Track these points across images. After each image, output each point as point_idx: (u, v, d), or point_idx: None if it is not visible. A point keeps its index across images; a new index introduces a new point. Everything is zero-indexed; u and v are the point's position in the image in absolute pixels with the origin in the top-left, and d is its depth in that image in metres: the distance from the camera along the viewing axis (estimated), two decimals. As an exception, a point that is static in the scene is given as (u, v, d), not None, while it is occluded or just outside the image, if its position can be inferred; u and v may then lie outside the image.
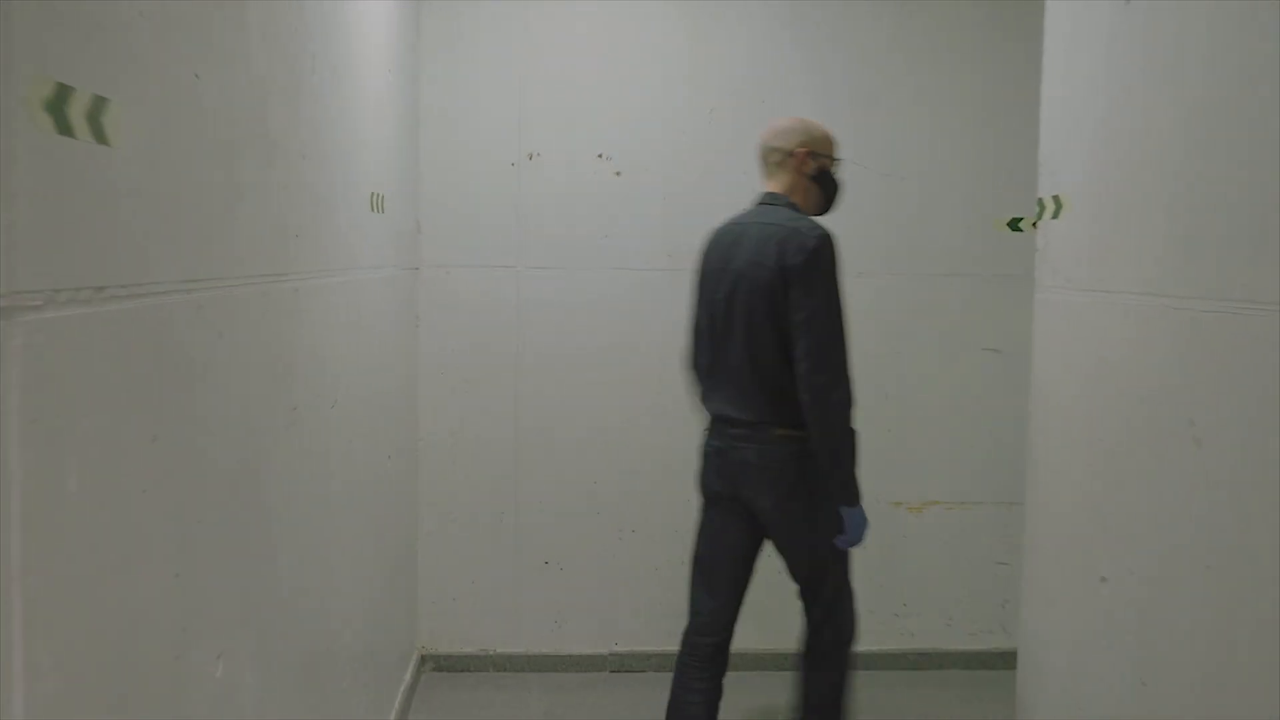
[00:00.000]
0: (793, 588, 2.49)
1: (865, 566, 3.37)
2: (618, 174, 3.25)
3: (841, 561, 2.48)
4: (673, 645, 2.54)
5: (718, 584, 2.46)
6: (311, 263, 1.96)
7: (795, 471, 2.35)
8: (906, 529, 3.36)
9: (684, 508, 3.31)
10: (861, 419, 3.30)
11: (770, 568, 2.51)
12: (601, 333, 3.28)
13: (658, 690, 2.64)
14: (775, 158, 2.46)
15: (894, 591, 3.39)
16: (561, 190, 3.25)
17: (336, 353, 2.17)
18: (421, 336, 3.25)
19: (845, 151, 3.28)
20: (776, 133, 2.47)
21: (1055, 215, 1.99)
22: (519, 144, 3.24)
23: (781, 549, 2.44)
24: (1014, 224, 3.29)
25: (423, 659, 3.29)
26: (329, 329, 2.10)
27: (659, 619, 3.31)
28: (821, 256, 2.30)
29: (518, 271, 3.26)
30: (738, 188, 3.27)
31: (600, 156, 3.24)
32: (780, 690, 2.94)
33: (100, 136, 1.07)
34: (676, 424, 3.30)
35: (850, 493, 2.33)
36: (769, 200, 2.45)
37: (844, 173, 3.27)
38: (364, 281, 2.45)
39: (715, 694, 2.46)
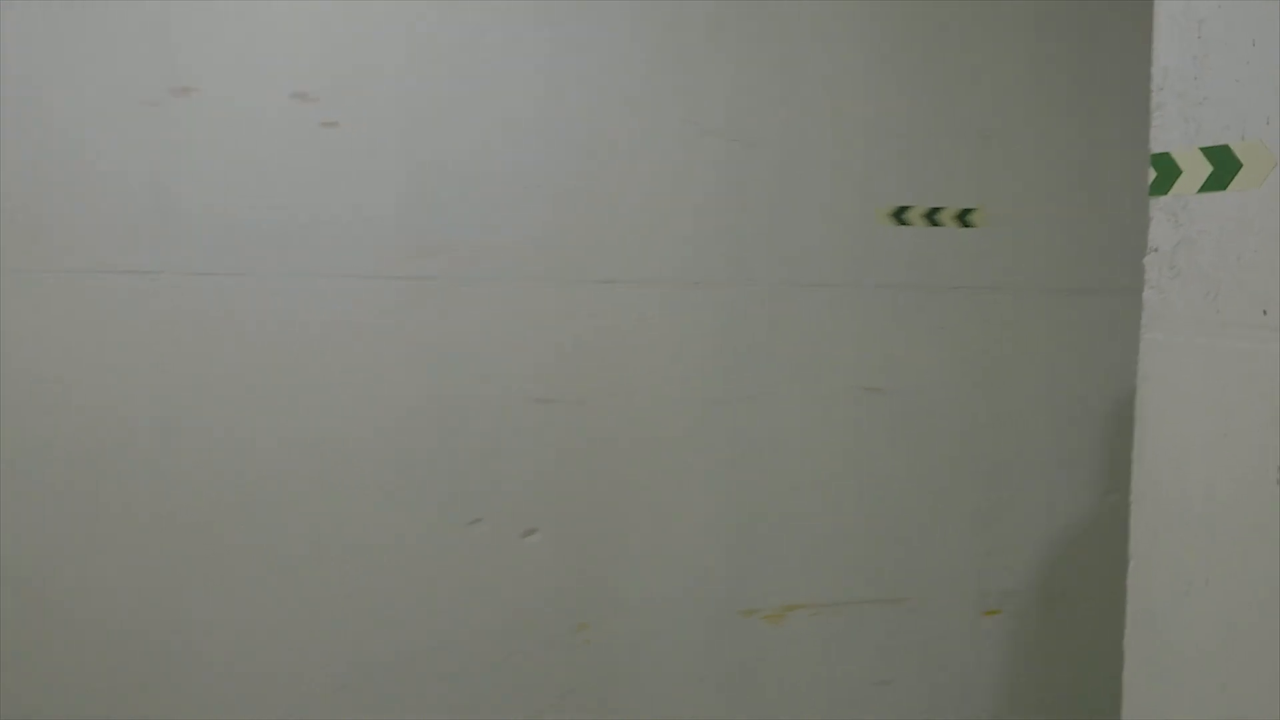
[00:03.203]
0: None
1: (709, 697, 2.35)
2: (330, 125, 2.05)
3: None
4: None
5: None
6: None
7: None
8: (763, 645, 2.37)
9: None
10: (699, 493, 2.30)
11: None
12: (308, 386, 2.07)
13: None
14: None
15: (747, 734, 2.39)
16: (236, 149, 2.01)
17: None
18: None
19: (671, 107, 2.25)
20: None
21: (1217, 186, 1.03)
22: (162, 72, 1.97)
23: None
24: (899, 214, 2.36)
25: None
26: None
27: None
28: None
29: (161, 280, 1.99)
30: (527, 148, 2.16)
31: (299, 97, 2.03)
32: None
33: None
34: (444, 591, 2.15)
35: None
36: None
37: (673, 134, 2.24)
38: None
39: None
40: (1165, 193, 1.06)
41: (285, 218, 2.02)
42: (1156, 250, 1.07)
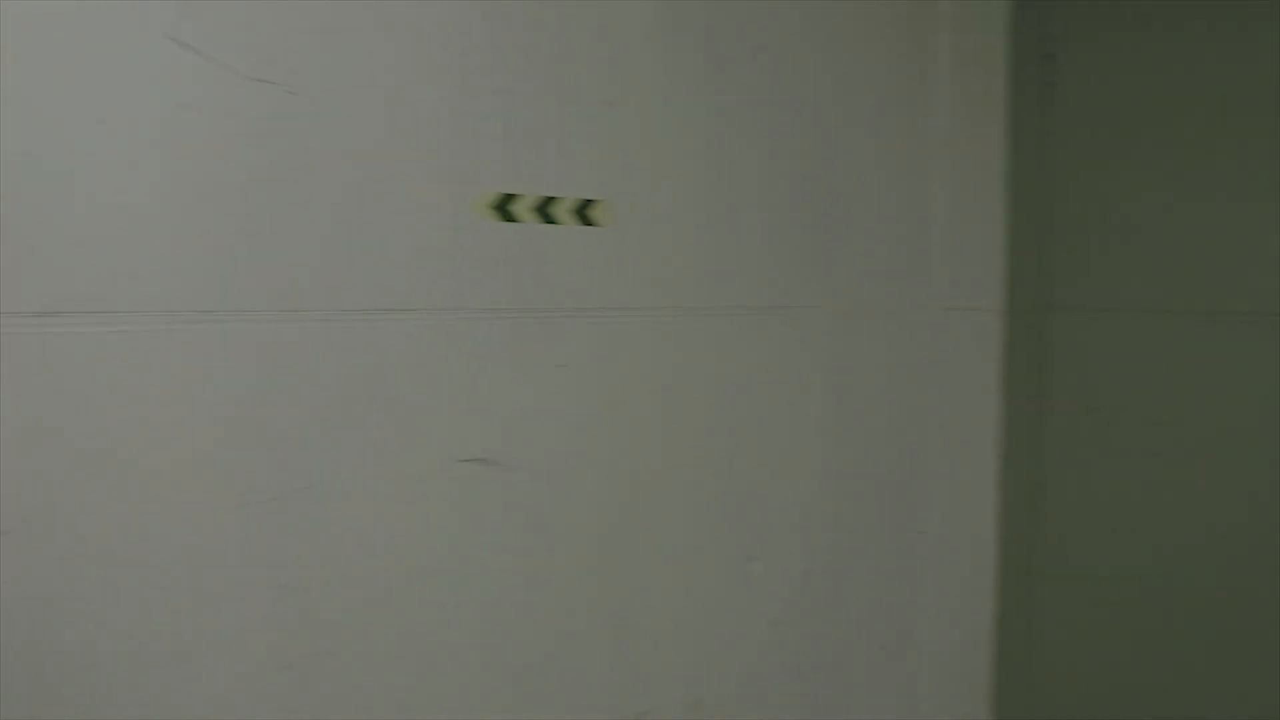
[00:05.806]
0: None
1: None
2: None
3: None
4: None
5: None
6: None
7: None
8: None
9: None
10: (223, 649, 1.43)
11: None
12: None
13: None
14: None
15: None
16: None
17: None
18: None
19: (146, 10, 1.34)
20: None
21: None
22: None
23: None
24: (503, 206, 1.66)
25: None
26: None
27: None
28: None
29: None
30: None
31: None
32: None
33: None
34: None
35: None
36: None
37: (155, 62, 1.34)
38: None
39: None
40: None
41: None
42: None
